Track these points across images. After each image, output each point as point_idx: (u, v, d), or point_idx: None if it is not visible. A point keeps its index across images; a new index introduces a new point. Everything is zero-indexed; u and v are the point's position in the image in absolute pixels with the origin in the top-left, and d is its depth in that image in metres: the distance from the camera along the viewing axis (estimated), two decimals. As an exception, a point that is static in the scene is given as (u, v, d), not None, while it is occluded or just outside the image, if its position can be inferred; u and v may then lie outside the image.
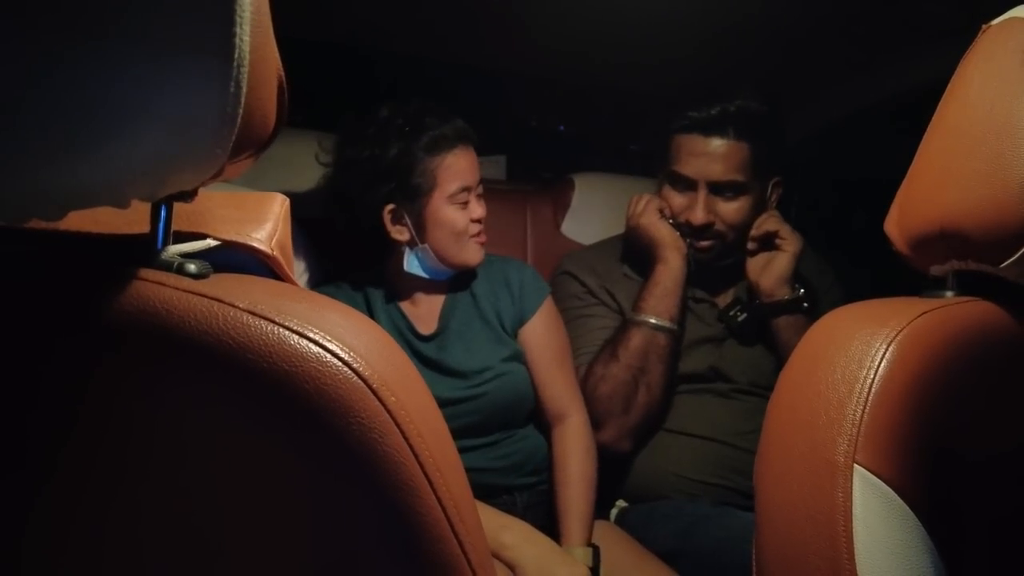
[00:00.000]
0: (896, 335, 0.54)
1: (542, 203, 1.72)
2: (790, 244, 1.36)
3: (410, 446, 0.39)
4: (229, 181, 0.47)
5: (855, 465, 0.51)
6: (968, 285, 0.62)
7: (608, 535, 1.25)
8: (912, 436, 0.53)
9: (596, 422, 1.32)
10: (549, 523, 1.24)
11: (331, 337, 0.39)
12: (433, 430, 0.42)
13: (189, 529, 0.40)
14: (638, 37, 1.49)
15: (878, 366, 0.53)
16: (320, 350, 0.38)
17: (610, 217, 1.63)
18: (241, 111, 0.34)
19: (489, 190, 1.32)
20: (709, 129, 1.33)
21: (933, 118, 0.64)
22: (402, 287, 1.29)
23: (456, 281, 1.31)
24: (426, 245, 1.22)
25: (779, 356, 1.39)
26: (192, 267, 0.41)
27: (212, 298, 0.39)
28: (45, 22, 0.28)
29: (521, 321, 1.31)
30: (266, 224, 0.49)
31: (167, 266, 0.41)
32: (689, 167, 1.35)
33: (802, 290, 1.38)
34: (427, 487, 0.39)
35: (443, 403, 1.15)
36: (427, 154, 1.18)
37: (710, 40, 1.48)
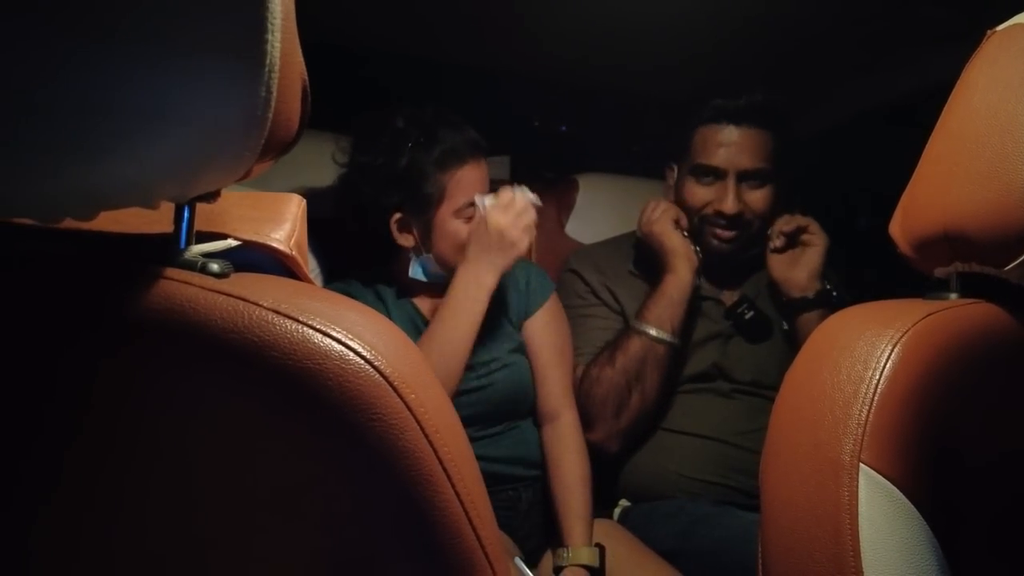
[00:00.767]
0: (901, 337, 0.55)
1: (546, 203, 1.72)
2: (820, 239, 1.37)
3: (429, 441, 0.40)
4: (241, 181, 0.47)
5: (860, 464, 0.51)
6: (972, 287, 0.63)
7: (611, 534, 1.26)
8: (917, 436, 0.53)
9: (587, 422, 1.33)
10: (549, 523, 1.25)
11: (352, 335, 0.40)
12: (449, 425, 0.43)
13: (208, 525, 0.41)
14: (642, 40, 1.50)
15: (883, 367, 0.54)
16: (343, 348, 0.39)
17: (614, 217, 1.64)
18: (271, 115, 0.35)
19: (494, 191, 1.32)
20: (738, 118, 1.35)
21: (937, 121, 0.65)
22: (412, 283, 1.30)
23: None
24: (430, 255, 1.23)
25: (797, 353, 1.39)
26: (215, 266, 0.42)
27: (236, 297, 0.39)
28: (80, 24, 0.28)
29: (526, 315, 1.33)
30: (284, 224, 0.50)
31: (190, 265, 0.42)
32: (718, 157, 1.37)
33: (828, 285, 1.39)
34: (445, 481, 0.40)
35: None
36: (437, 168, 1.19)
37: (713, 43, 1.49)
